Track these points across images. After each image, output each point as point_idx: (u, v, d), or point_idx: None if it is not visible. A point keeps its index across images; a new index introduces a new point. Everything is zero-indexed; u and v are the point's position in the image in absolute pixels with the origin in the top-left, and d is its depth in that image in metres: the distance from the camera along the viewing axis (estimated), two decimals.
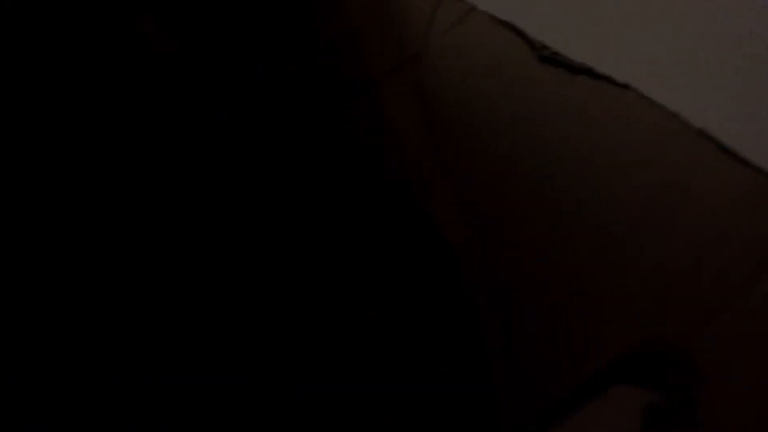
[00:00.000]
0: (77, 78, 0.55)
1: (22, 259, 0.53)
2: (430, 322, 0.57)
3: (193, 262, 0.56)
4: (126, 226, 0.55)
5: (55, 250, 0.54)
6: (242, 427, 0.52)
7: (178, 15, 0.57)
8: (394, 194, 0.61)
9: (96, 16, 0.55)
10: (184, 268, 0.55)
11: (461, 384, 0.54)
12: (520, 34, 0.67)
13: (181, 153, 0.56)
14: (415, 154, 0.62)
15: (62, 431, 0.51)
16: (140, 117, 0.55)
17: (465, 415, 0.54)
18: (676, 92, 0.65)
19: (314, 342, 0.55)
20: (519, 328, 0.57)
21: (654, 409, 0.56)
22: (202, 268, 0.56)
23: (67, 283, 0.54)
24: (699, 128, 0.61)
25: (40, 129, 0.55)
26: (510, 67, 0.63)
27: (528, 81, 0.63)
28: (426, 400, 0.54)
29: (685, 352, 0.58)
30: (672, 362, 0.56)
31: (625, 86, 0.63)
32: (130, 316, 0.54)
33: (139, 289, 0.54)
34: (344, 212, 0.60)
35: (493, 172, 0.61)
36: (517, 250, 0.58)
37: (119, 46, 0.55)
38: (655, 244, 0.59)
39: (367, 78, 0.63)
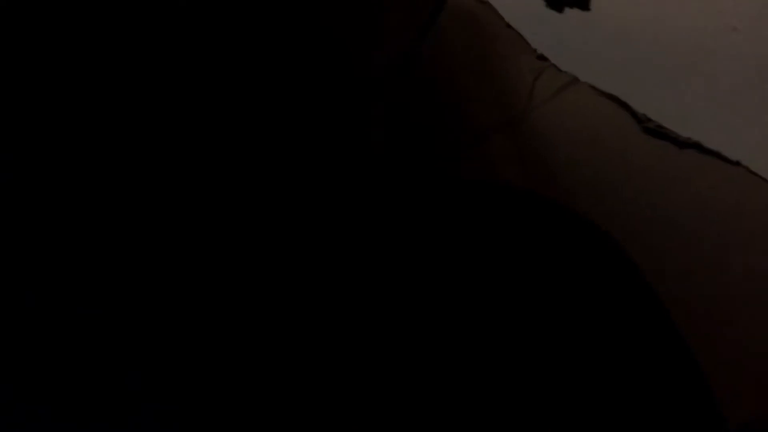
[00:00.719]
0: (84, 72, 0.54)
1: (21, 258, 0.53)
2: None
3: (201, 262, 0.55)
4: (129, 225, 0.55)
5: (55, 249, 0.53)
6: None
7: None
8: None
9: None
10: (189, 267, 0.55)
11: None
12: (623, 105, 0.67)
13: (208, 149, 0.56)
14: None
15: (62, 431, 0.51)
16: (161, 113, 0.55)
17: None
18: None
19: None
20: None
21: None
22: (212, 268, 0.55)
23: (66, 282, 0.53)
24: None
25: (41, 127, 0.54)
26: (613, 137, 0.63)
27: (631, 152, 0.62)
28: None
29: None
30: None
31: (736, 163, 0.62)
32: (131, 315, 0.53)
33: (140, 289, 0.54)
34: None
35: None
36: None
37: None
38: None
39: (474, 132, 0.62)
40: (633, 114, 0.65)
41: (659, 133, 0.65)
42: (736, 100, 0.73)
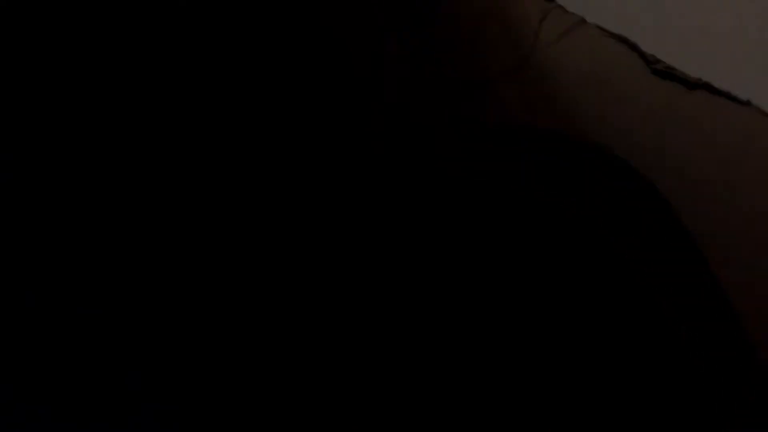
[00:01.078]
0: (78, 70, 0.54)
1: (21, 258, 0.53)
2: None
3: (199, 261, 0.54)
4: (129, 224, 0.54)
5: (54, 249, 0.53)
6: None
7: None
8: None
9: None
10: (189, 267, 0.54)
11: None
12: (632, 47, 0.64)
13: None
14: None
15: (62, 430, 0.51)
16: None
17: None
18: None
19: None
20: None
21: None
22: (208, 267, 0.54)
23: (66, 282, 0.53)
24: None
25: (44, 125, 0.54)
26: (621, 78, 0.62)
27: (640, 93, 0.61)
28: None
29: None
30: None
31: (746, 102, 0.60)
32: (131, 315, 0.53)
33: (139, 289, 0.53)
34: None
35: None
36: None
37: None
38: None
39: (486, 78, 0.61)
40: (641, 55, 0.63)
41: (668, 74, 0.63)
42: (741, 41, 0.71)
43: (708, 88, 0.62)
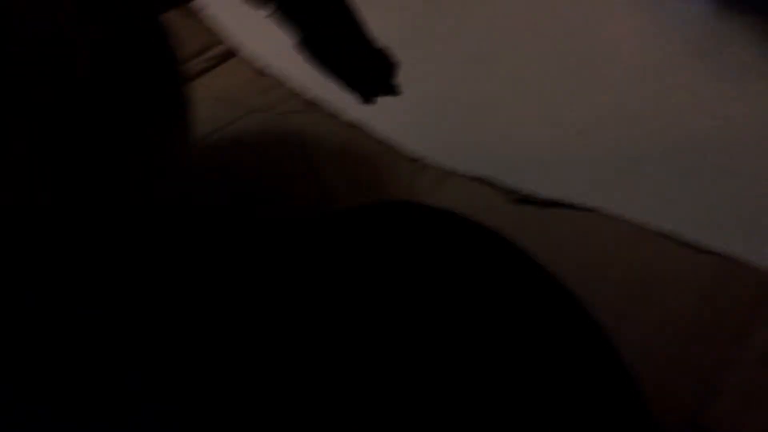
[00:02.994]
0: None
1: (21, 258, 0.53)
2: None
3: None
4: (129, 225, 0.56)
5: (55, 249, 0.53)
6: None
7: None
8: None
9: None
10: (188, 267, 0.56)
11: None
12: (493, 185, 0.82)
13: None
14: None
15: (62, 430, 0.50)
16: None
17: None
18: (637, 205, 0.79)
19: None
20: None
21: None
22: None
23: (66, 282, 0.53)
24: (658, 231, 0.74)
25: None
26: (486, 211, 0.71)
27: (503, 219, 0.70)
28: None
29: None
30: None
31: (590, 210, 0.76)
32: (131, 315, 0.53)
33: (139, 289, 0.54)
34: None
35: None
36: None
37: None
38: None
39: None
40: (502, 189, 0.81)
41: (525, 200, 0.80)
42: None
43: (557, 204, 0.79)
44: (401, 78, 0.74)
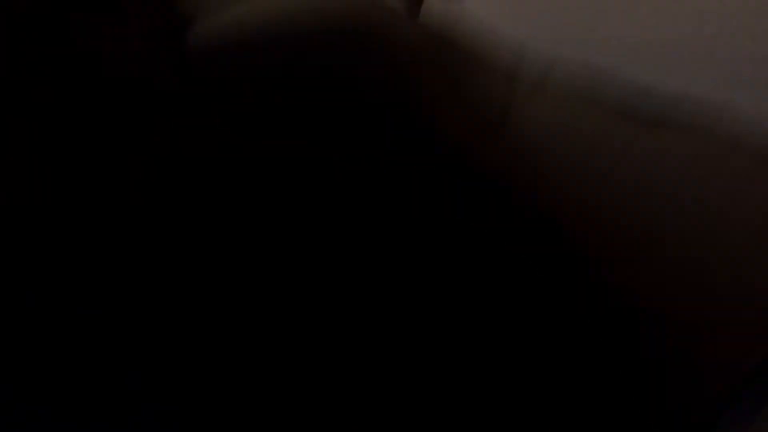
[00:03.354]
0: None
1: (22, 258, 0.53)
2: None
3: (195, 258, 0.55)
4: (129, 226, 0.55)
5: (55, 250, 0.53)
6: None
7: None
8: None
9: None
10: (188, 267, 0.55)
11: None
12: (597, 93, 0.71)
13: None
14: None
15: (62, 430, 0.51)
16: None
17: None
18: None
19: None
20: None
21: None
22: (205, 263, 0.55)
23: (66, 282, 0.53)
24: None
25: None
26: (588, 125, 0.66)
27: (606, 137, 0.65)
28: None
29: None
30: None
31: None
32: (131, 315, 0.53)
33: (139, 289, 0.54)
34: None
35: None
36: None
37: None
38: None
39: (452, 143, 0.63)
40: (607, 99, 0.70)
41: (631, 115, 0.69)
42: None
43: (669, 122, 0.69)
44: None
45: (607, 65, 0.71)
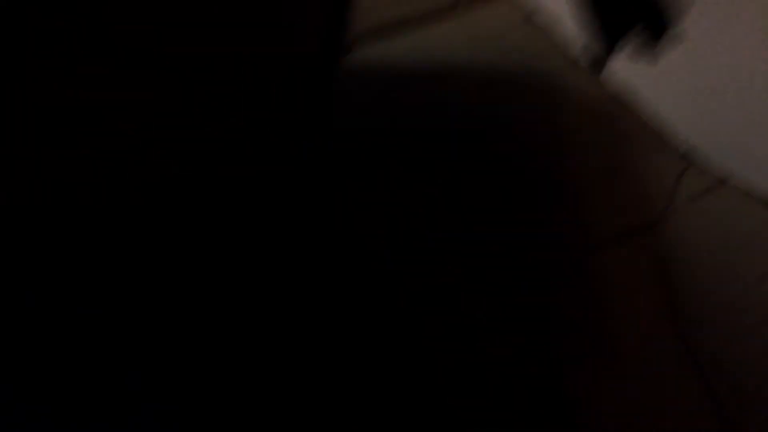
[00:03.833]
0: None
1: (22, 259, 0.53)
2: None
3: (196, 260, 0.56)
4: (129, 226, 0.55)
5: (55, 250, 0.54)
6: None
7: None
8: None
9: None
10: (188, 268, 0.55)
11: None
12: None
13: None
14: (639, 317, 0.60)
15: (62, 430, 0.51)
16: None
17: None
18: None
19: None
20: None
21: None
22: (205, 266, 0.56)
23: (66, 282, 0.54)
24: None
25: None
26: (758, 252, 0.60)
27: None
28: None
29: None
30: None
31: None
32: (131, 315, 0.53)
33: (139, 289, 0.54)
34: None
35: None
36: None
37: None
38: None
39: (587, 245, 0.62)
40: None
41: None
42: None
43: None
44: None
45: None
